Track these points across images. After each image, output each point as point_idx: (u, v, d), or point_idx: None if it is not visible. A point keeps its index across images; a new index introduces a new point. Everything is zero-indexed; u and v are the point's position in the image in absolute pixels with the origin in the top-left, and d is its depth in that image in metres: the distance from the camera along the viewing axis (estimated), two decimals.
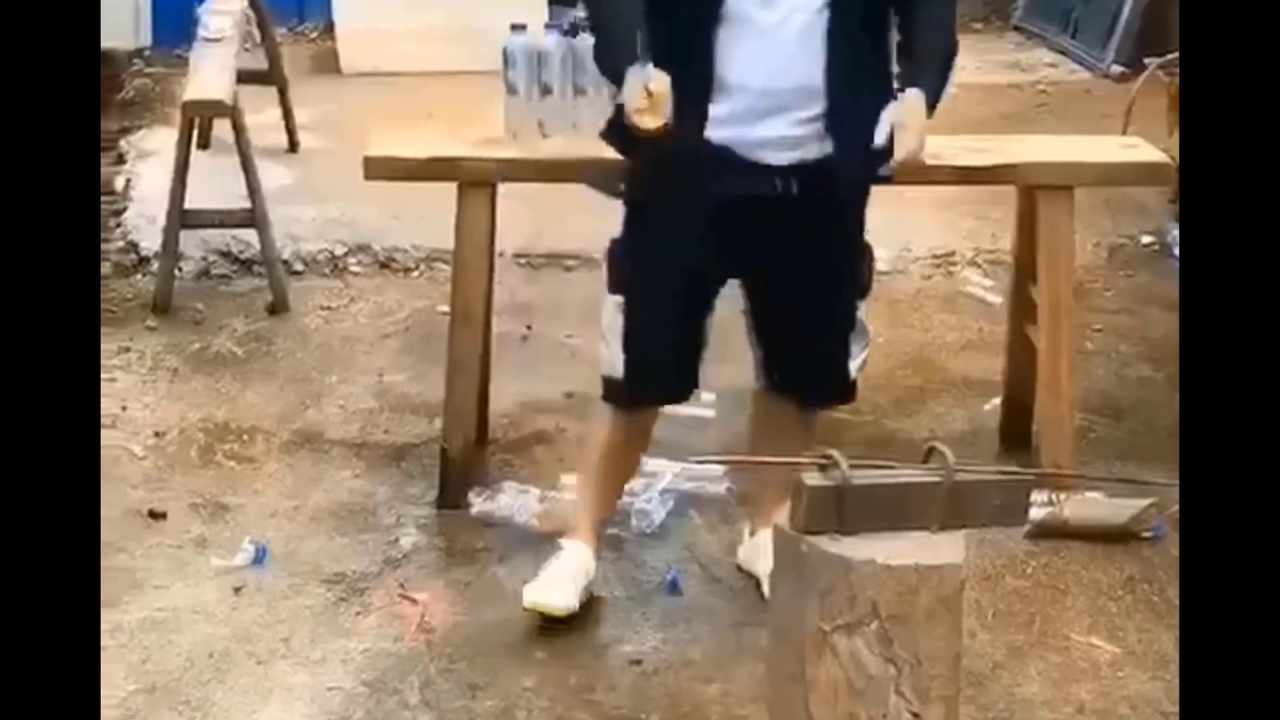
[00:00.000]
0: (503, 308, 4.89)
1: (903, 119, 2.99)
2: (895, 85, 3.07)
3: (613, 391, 3.27)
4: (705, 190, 3.05)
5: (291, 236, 5.20)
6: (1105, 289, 4.90)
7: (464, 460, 3.69)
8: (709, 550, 3.52)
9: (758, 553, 3.26)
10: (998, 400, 4.04)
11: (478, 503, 3.64)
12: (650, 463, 3.82)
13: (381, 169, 3.64)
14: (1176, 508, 3.63)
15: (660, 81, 2.93)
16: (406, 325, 4.78)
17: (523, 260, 5.33)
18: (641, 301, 3.17)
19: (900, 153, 2.99)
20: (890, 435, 4.07)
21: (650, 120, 2.94)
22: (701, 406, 4.17)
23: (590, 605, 3.30)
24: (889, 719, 2.34)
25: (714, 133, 3.04)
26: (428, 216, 5.08)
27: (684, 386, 3.33)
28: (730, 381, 4.26)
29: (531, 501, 3.63)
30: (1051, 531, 3.48)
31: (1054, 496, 3.52)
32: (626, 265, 3.21)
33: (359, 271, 5.29)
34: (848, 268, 3.19)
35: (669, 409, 4.17)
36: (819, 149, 3.05)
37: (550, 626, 3.18)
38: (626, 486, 3.70)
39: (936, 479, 2.40)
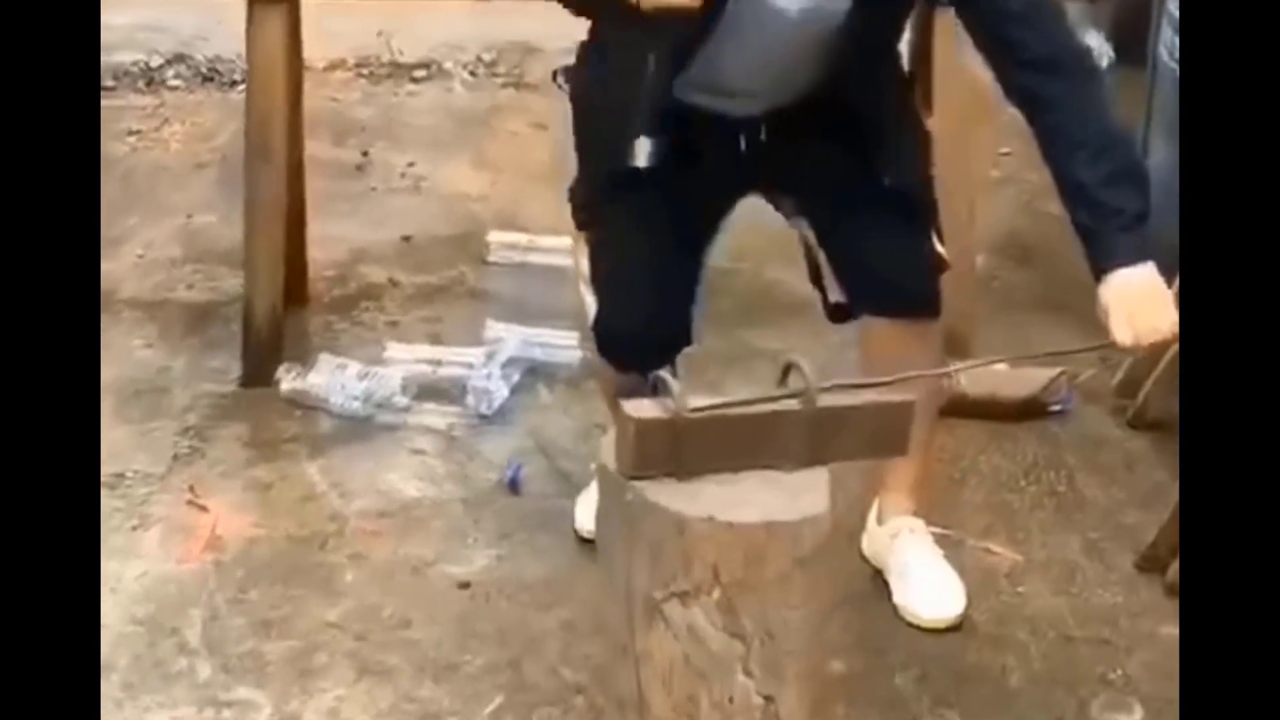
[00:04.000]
0: (336, 129, 4.36)
1: (1113, 306, 2.18)
2: (1089, 257, 2.23)
3: (600, 348, 2.53)
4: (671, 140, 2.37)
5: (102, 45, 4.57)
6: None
7: (270, 329, 3.17)
8: (557, 437, 3.04)
9: (886, 547, 2.65)
10: None
11: (287, 380, 3.13)
12: (493, 326, 3.33)
13: None
14: (1089, 373, 3.25)
15: None
16: (224, 153, 4.20)
17: (365, 71, 4.74)
18: (618, 258, 2.45)
19: (1125, 339, 2.18)
20: (770, 286, 3.59)
21: None
22: (552, 253, 3.67)
23: (413, 511, 2.83)
24: (736, 703, 1.90)
25: (681, 94, 2.37)
26: None
27: (674, 341, 2.48)
28: None
29: (350, 379, 3.12)
30: (946, 408, 3.02)
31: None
32: (592, 210, 2.50)
33: (178, 85, 4.69)
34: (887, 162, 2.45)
35: (514, 257, 3.71)
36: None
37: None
38: (463, 361, 3.22)
39: (795, 406, 1.93)
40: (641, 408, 1.89)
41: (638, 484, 1.88)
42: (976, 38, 2.32)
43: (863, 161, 2.42)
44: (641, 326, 2.43)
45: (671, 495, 1.87)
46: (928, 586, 2.58)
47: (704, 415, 1.89)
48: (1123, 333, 2.18)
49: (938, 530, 2.68)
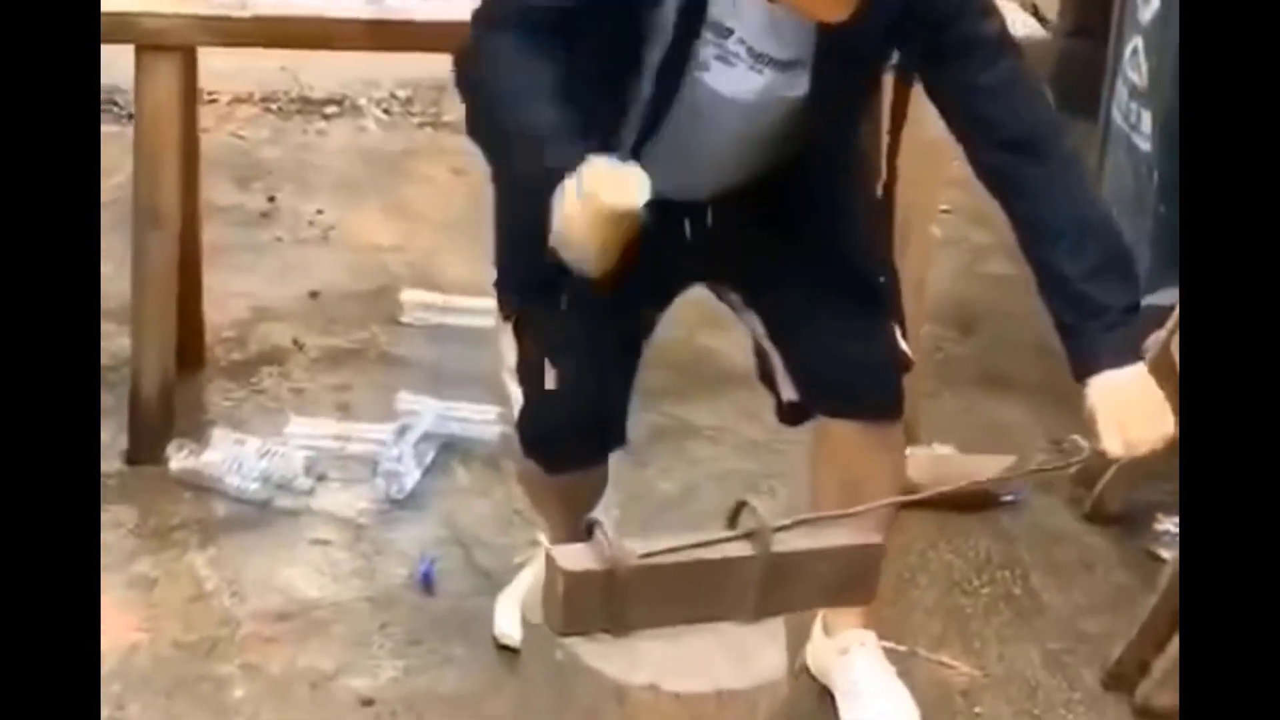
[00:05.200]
0: (240, 172, 4.09)
1: (1101, 413, 1.98)
2: (1071, 357, 2.03)
3: (526, 446, 2.28)
4: None
5: None
6: (954, 156, 4.14)
7: (160, 403, 2.89)
8: (474, 525, 2.79)
9: (833, 663, 2.42)
10: None
11: (178, 458, 2.86)
12: (405, 399, 3.08)
13: None
14: (1041, 460, 3.05)
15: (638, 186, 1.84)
16: (119, 194, 3.89)
17: (272, 106, 4.47)
18: (550, 350, 2.18)
19: (1116, 449, 1.99)
20: (701, 355, 3.37)
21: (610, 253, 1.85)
22: (471, 314, 3.42)
23: (313, 613, 2.57)
24: None
25: None
26: None
27: (609, 441, 2.26)
28: None
29: (247, 457, 2.86)
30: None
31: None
32: (524, 297, 2.23)
33: None
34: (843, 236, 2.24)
35: (430, 318, 3.46)
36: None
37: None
38: (372, 439, 2.97)
39: (748, 552, 1.71)
40: (573, 556, 1.67)
41: (570, 641, 1.66)
42: (947, 114, 2.12)
43: (819, 249, 2.21)
44: (573, 425, 2.20)
45: (608, 656, 1.64)
46: (880, 710, 2.37)
47: (645, 564, 1.67)
48: (1113, 443, 1.98)
49: (889, 645, 2.47)
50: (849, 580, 1.77)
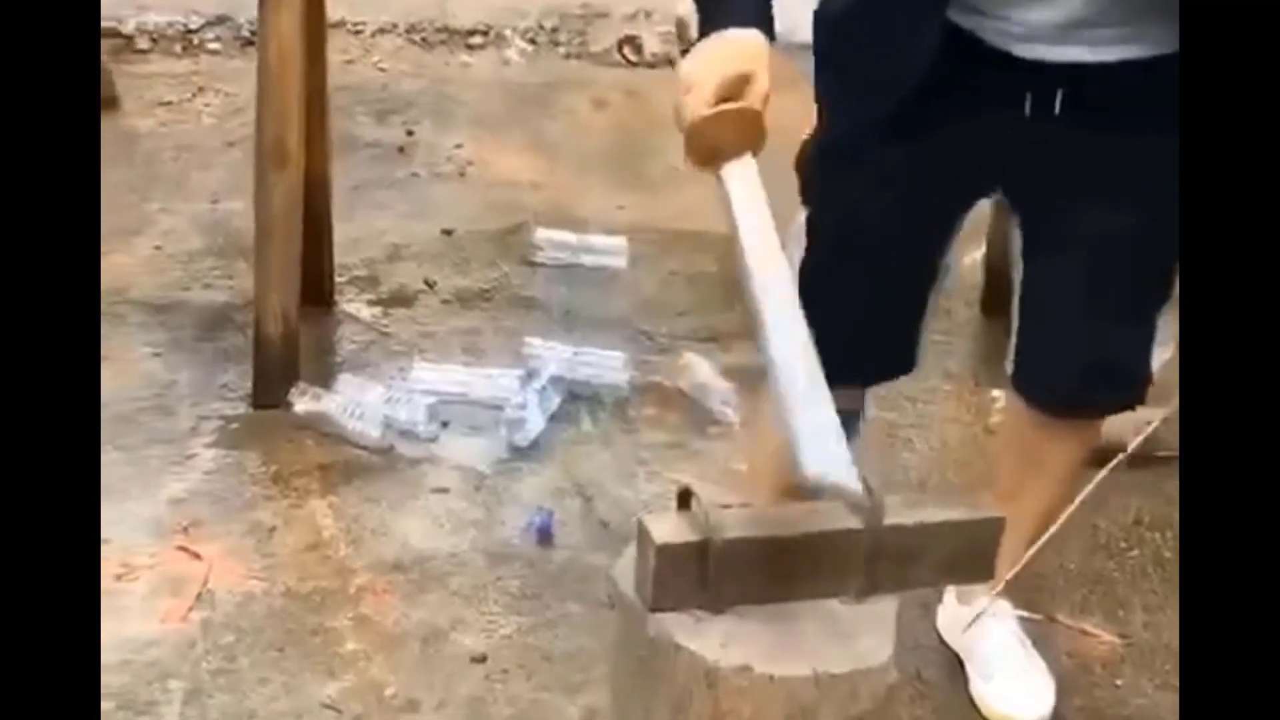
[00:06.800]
0: (381, 105, 4.05)
1: None
2: None
3: None
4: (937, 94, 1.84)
5: (134, 3, 4.29)
6: None
7: (284, 343, 2.85)
8: (597, 476, 2.71)
9: (964, 632, 2.28)
10: (979, 255, 3.18)
11: (301, 401, 2.82)
12: (531, 344, 3.01)
13: None
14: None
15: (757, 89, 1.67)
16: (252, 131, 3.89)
17: (416, 37, 4.40)
18: (835, 247, 1.95)
19: None
20: None
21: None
22: (605, 254, 3.34)
23: (429, 564, 2.52)
24: None
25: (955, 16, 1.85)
26: None
27: (895, 362, 2.12)
28: (646, 215, 3.42)
29: (370, 403, 2.81)
30: None
31: None
32: (820, 180, 1.99)
33: (217, 49, 4.37)
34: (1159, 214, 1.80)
35: (563, 258, 3.38)
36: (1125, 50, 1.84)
37: None
38: (497, 385, 2.90)
39: (855, 524, 1.59)
40: (666, 526, 1.56)
41: (661, 617, 1.56)
42: None
43: (1149, 204, 1.86)
44: (852, 344, 1.86)
45: (702, 635, 1.54)
46: (1012, 681, 2.24)
47: (743, 536, 1.56)
48: None
49: (1024, 614, 2.33)
50: (966, 556, 1.64)
